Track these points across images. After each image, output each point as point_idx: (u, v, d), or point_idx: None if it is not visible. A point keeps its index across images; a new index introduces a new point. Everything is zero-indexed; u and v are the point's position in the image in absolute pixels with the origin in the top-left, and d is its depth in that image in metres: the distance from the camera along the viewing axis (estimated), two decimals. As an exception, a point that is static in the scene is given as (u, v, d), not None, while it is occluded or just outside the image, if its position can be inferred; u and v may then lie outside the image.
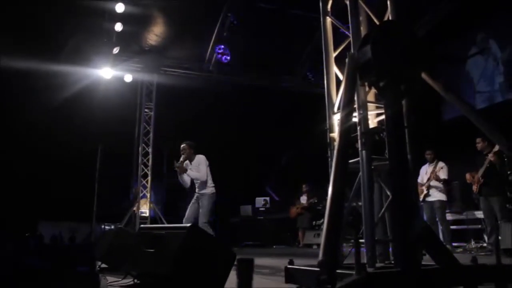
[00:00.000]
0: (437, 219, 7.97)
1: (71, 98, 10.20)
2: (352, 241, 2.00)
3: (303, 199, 12.25)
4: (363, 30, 2.97)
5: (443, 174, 8.08)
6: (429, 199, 8.11)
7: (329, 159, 2.91)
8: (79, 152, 10.23)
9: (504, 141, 2.60)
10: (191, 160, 6.59)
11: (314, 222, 12.43)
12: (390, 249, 2.92)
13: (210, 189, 6.45)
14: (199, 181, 6.51)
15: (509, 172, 8.54)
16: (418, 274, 2.19)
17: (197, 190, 6.53)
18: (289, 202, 12.71)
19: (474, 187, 7.64)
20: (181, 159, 6.58)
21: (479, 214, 8.26)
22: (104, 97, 10.88)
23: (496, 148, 7.24)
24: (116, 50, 10.64)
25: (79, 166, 10.31)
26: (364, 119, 2.64)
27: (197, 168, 6.50)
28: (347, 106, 2.30)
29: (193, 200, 6.50)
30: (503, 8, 9.43)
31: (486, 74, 10.51)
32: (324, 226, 1.98)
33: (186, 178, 6.57)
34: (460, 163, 8.47)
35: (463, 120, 9.42)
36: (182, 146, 6.65)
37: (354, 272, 1.96)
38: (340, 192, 2.00)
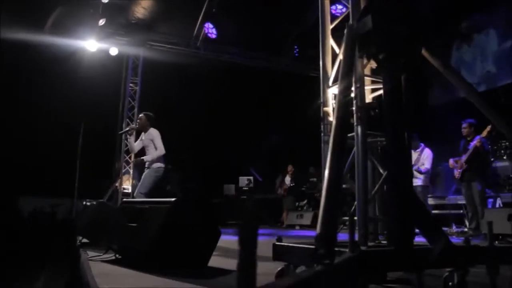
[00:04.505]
0: (420, 204, 7.99)
1: (53, 70, 9.93)
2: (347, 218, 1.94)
3: (287, 180, 12.26)
4: (362, 2, 2.87)
5: (427, 164, 8.07)
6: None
7: (322, 134, 2.84)
8: (61, 126, 10.01)
9: (504, 124, 2.54)
10: (145, 132, 6.64)
11: (297, 203, 12.47)
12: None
13: (156, 164, 6.43)
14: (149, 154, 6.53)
15: (492, 159, 8.63)
16: (412, 253, 2.15)
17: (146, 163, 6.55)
18: (273, 183, 12.69)
19: (457, 173, 7.68)
20: (133, 125, 6.74)
21: (461, 200, 8.33)
22: (88, 70, 10.62)
23: (483, 134, 7.27)
24: (102, 22, 10.36)
25: (61, 140, 10.09)
26: (360, 93, 2.57)
27: (148, 142, 6.50)
28: (346, 77, 2.20)
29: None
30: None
31: (474, 62, 10.53)
32: (322, 200, 1.90)
33: (133, 144, 6.71)
34: (443, 148, 8.50)
35: (448, 106, 9.38)
36: (140, 115, 6.81)
37: (346, 250, 1.90)
38: (338, 166, 1.93)
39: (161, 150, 6.41)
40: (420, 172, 7.90)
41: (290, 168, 12.36)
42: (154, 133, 6.52)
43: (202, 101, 12.23)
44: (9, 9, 8.91)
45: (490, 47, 10.19)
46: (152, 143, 6.47)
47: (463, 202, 8.05)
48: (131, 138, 6.71)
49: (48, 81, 9.93)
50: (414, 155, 8.21)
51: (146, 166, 6.49)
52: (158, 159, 6.43)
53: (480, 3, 10.08)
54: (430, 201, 8.76)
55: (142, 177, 6.47)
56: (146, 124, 6.61)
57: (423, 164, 7.91)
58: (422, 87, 10.84)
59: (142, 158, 6.48)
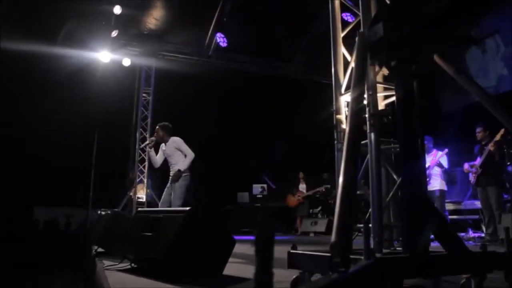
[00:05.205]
0: (436, 209, 7.94)
1: (68, 81, 10.05)
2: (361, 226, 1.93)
3: (302, 188, 12.22)
4: (372, 10, 2.87)
5: (444, 162, 8.08)
6: (429, 188, 8.07)
7: (335, 142, 2.85)
8: (76, 136, 10.11)
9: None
10: (165, 142, 6.60)
11: (311, 210, 12.43)
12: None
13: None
14: (173, 164, 6.47)
15: (508, 163, 8.53)
16: (428, 259, 2.13)
17: (171, 173, 6.49)
18: (285, 190, 12.66)
19: (472, 178, 7.62)
20: (152, 137, 6.79)
21: (477, 205, 8.25)
22: (101, 81, 10.74)
23: (497, 138, 7.21)
24: (114, 34, 10.49)
25: (75, 150, 10.19)
26: (373, 100, 2.57)
27: (172, 150, 6.45)
28: (358, 85, 2.21)
29: (168, 185, 6.48)
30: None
31: (484, 66, 10.45)
32: (337, 209, 1.90)
33: (154, 158, 6.66)
34: (457, 153, 8.44)
35: (461, 111, 9.29)
36: (156, 128, 6.75)
37: (361, 257, 1.89)
38: (353, 173, 1.93)
39: (191, 154, 6.35)
40: (442, 166, 8.05)
41: (301, 175, 12.34)
42: (178, 140, 6.46)
43: (215, 109, 12.29)
44: (23, 22, 9.07)
45: (500, 51, 10.10)
46: (177, 151, 6.41)
47: (480, 207, 7.97)
48: (152, 152, 6.67)
49: (62, 92, 10.06)
50: (428, 158, 8.18)
51: (173, 176, 6.36)
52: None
53: (486, 9, 10.03)
54: (447, 206, 8.68)
55: (173, 189, 6.32)
56: (163, 134, 6.58)
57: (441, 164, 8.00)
58: (435, 93, 10.79)
59: (178, 169, 6.29)
